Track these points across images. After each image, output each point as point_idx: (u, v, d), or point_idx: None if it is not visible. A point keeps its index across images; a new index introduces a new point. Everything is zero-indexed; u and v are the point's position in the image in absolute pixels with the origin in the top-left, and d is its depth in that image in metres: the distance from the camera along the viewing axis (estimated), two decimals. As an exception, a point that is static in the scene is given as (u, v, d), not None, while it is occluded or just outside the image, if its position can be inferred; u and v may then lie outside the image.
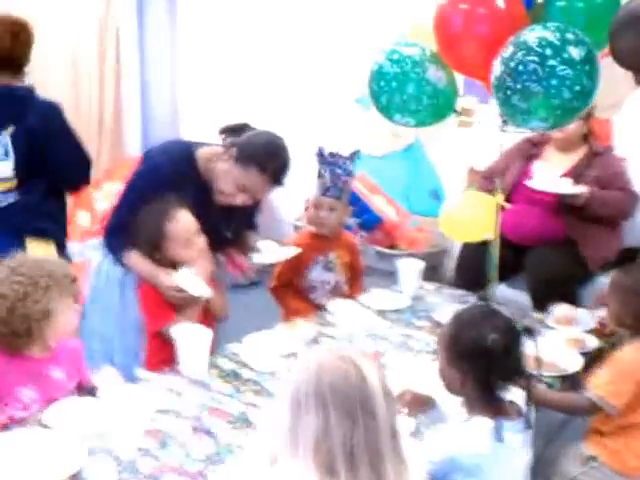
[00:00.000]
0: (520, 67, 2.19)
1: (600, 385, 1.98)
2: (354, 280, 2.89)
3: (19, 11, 4.98)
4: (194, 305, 2.37)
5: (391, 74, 2.58)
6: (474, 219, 2.81)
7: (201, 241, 2.37)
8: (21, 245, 2.62)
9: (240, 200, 2.44)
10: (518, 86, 2.20)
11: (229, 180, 2.40)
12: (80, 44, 5.49)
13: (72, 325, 1.95)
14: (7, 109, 2.70)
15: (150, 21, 5.72)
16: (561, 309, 2.62)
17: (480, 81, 2.64)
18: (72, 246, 4.67)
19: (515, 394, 1.70)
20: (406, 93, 2.56)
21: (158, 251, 2.33)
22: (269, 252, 2.60)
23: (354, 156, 2.72)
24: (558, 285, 3.20)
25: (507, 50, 2.24)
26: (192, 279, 2.29)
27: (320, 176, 2.68)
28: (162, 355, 2.25)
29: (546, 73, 2.16)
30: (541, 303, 3.11)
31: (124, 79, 5.79)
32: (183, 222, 2.32)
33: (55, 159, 2.74)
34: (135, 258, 2.38)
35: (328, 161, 2.68)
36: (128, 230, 2.39)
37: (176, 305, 2.33)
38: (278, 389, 1.32)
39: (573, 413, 2.09)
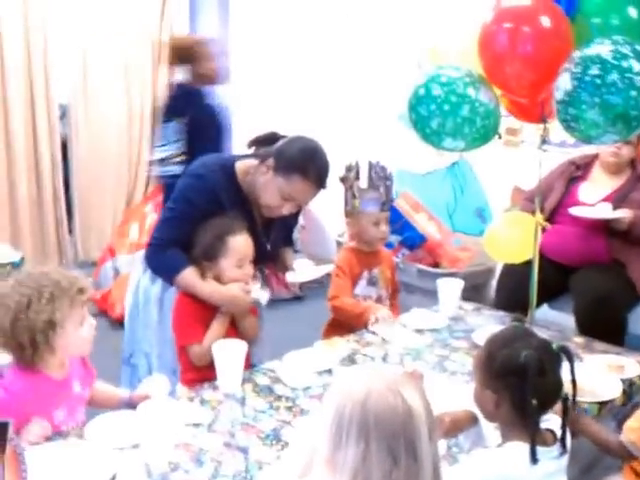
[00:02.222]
0: (598, 80, 2.16)
1: (634, 429, 1.86)
2: (392, 297, 2.88)
3: (74, 29, 5.20)
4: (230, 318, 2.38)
5: (442, 97, 2.50)
6: (516, 239, 2.76)
7: (249, 269, 2.37)
8: None
9: (287, 210, 2.44)
10: (597, 100, 2.16)
11: (273, 192, 2.38)
12: (132, 57, 5.61)
13: (87, 338, 1.90)
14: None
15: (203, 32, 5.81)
16: None
17: (519, 99, 2.61)
18: (121, 258, 4.82)
19: (551, 419, 1.67)
20: (460, 116, 2.49)
21: (210, 264, 2.33)
22: (303, 270, 2.59)
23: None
24: (605, 308, 3.14)
25: (577, 65, 2.20)
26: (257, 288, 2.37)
27: (370, 192, 2.67)
28: (195, 372, 2.27)
29: (625, 85, 2.13)
30: (587, 326, 3.05)
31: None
32: (244, 241, 2.34)
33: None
34: (190, 277, 2.35)
35: (381, 176, 2.68)
36: (173, 246, 2.39)
37: (206, 323, 2.34)
38: (322, 406, 1.29)
39: (605, 451, 2.00)
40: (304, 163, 2.34)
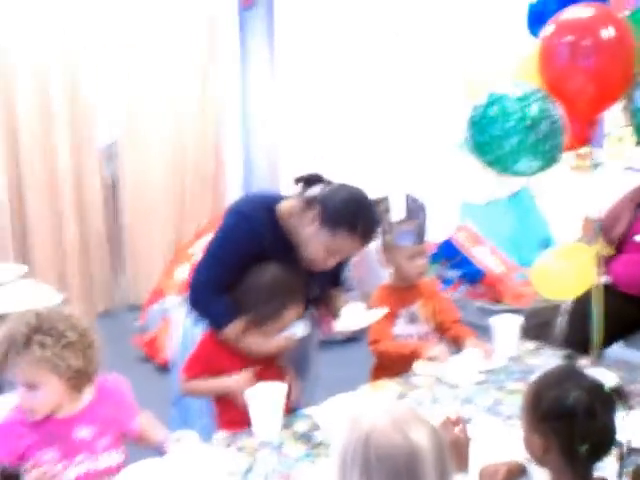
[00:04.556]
0: None
1: None
2: (454, 324, 2.86)
3: (123, 62, 5.39)
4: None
5: (522, 113, 2.46)
6: (566, 274, 2.72)
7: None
8: None
9: (331, 263, 2.45)
10: None
11: (318, 245, 2.39)
12: (181, 93, 5.77)
13: (24, 404, 1.87)
14: None
15: (252, 71, 5.95)
16: None
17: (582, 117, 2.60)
18: (170, 300, 4.91)
19: (607, 466, 1.63)
20: (541, 132, 2.46)
21: (261, 325, 2.38)
22: (353, 318, 2.57)
23: None
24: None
25: None
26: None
27: (403, 224, 2.68)
28: (231, 414, 2.30)
29: None
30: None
31: (225, 130, 6.02)
32: (296, 313, 2.39)
33: None
34: (234, 333, 2.40)
35: (414, 207, 2.69)
36: (215, 289, 2.42)
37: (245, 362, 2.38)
38: (332, 443, 1.33)
39: None
40: (352, 217, 2.34)
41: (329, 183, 2.46)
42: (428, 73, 4.73)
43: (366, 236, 2.39)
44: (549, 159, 2.56)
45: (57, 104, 5.21)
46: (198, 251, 4.92)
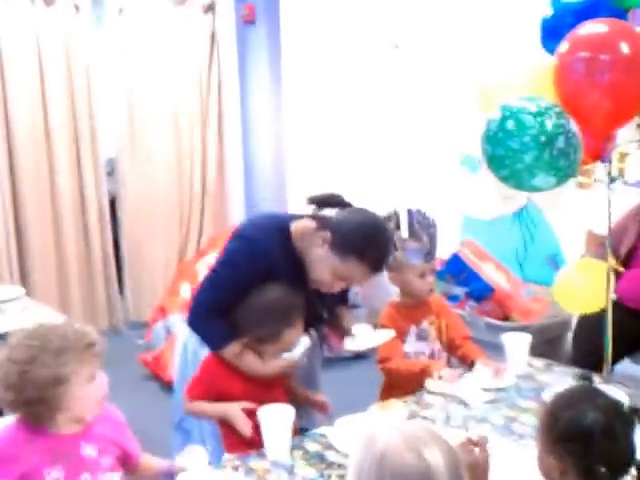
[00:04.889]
0: None
1: None
2: (464, 340, 2.84)
3: (120, 79, 5.38)
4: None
5: (538, 128, 2.45)
6: (587, 287, 2.72)
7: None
8: None
9: (338, 287, 2.43)
10: None
11: (326, 269, 2.37)
12: (181, 106, 5.76)
13: (96, 397, 1.88)
14: None
15: (253, 82, 5.95)
16: None
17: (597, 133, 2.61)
18: (173, 318, 4.90)
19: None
20: (556, 148, 2.45)
21: (260, 346, 2.36)
22: (363, 338, 2.55)
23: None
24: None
25: None
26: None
27: (412, 242, 2.67)
28: (236, 436, 2.29)
29: None
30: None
31: (227, 145, 6.02)
32: (296, 332, 2.36)
33: None
34: (233, 353, 2.38)
35: (424, 224, 2.68)
36: (215, 313, 2.41)
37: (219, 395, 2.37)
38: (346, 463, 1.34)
39: None
40: (362, 246, 2.31)
41: (346, 204, 2.44)
42: (433, 89, 4.74)
43: (375, 266, 2.36)
44: (565, 175, 2.56)
45: (56, 120, 5.20)
46: (201, 269, 4.93)
